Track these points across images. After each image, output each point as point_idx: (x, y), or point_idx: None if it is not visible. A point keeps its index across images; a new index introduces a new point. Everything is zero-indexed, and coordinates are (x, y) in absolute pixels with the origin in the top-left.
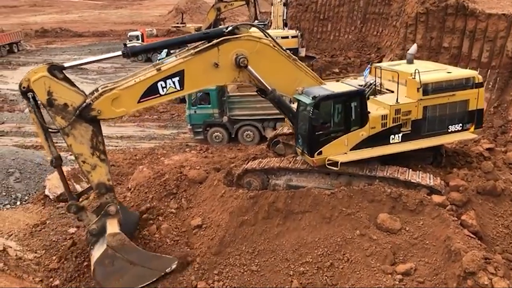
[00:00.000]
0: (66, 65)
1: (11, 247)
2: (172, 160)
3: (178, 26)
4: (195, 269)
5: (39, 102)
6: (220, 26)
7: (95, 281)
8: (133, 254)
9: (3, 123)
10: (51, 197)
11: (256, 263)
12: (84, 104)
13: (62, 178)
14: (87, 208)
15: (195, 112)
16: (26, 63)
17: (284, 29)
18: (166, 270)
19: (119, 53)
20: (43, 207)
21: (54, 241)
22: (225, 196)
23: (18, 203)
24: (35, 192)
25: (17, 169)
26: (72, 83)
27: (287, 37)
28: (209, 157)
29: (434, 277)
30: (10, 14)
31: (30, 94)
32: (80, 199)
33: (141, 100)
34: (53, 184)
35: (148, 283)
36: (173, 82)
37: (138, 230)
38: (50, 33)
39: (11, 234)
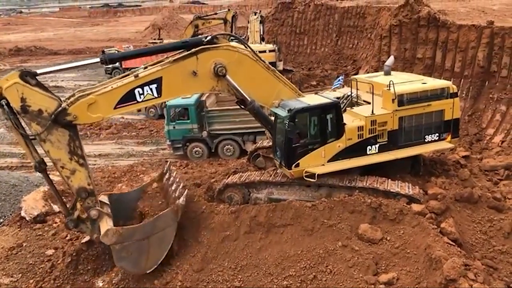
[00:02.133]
0: (38, 71)
1: None
2: (151, 177)
3: (155, 42)
4: (178, 287)
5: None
6: (199, 36)
7: (132, 273)
8: (135, 233)
9: None
10: (27, 218)
11: (239, 279)
12: (60, 108)
13: (49, 182)
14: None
15: (174, 127)
16: None
17: (261, 43)
18: (177, 220)
19: (97, 59)
20: (19, 229)
21: (31, 264)
22: (206, 211)
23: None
24: (10, 214)
25: None
26: (45, 89)
27: (264, 51)
28: (189, 173)
29: (417, 286)
30: None
31: (3, 101)
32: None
33: (118, 106)
34: (29, 205)
35: (172, 239)
36: (151, 89)
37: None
38: (24, 52)
39: None
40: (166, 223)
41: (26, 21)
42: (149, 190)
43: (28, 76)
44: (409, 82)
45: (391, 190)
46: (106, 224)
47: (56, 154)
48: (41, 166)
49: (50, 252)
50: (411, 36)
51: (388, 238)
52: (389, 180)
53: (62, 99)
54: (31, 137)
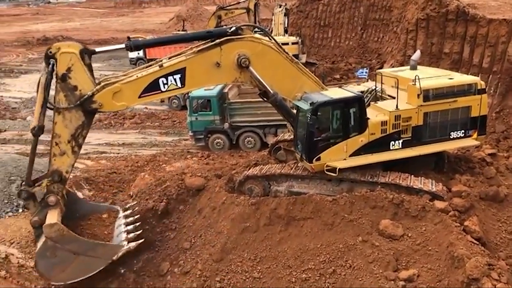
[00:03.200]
0: (97, 49)
1: (13, 255)
2: (173, 167)
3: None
4: (197, 276)
5: (54, 72)
6: (224, 27)
7: (39, 274)
8: (74, 243)
9: (5, 130)
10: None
11: (258, 270)
12: (86, 95)
13: (32, 153)
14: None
15: (196, 119)
16: (28, 71)
17: (284, 35)
18: (113, 258)
19: (122, 45)
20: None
21: None
22: (227, 202)
23: (20, 210)
24: None
25: (19, 176)
26: (92, 72)
27: (287, 44)
28: (211, 164)
29: (438, 284)
30: (13, 22)
31: (52, 61)
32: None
33: (142, 95)
34: None
35: (95, 272)
36: (175, 79)
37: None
38: (51, 41)
39: (13, 242)
40: (104, 255)
41: (53, 11)
42: (110, 215)
43: (86, 54)
44: (436, 77)
45: (414, 187)
46: (54, 216)
47: (60, 129)
48: (38, 131)
49: None
50: (439, 30)
51: (410, 235)
52: (412, 176)
53: None
54: (51, 107)
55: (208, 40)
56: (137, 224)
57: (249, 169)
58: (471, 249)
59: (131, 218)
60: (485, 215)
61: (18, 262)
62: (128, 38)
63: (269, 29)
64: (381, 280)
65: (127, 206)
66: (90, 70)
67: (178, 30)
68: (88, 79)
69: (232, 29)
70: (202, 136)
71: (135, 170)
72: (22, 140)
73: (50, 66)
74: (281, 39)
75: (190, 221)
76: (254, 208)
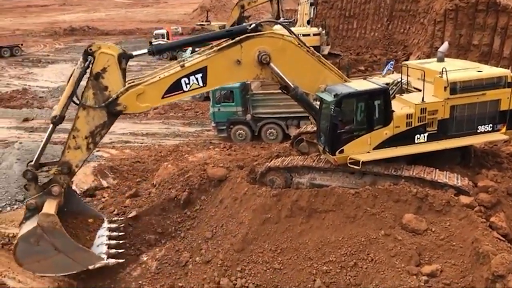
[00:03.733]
0: (134, 53)
1: None
2: (196, 157)
3: (202, 24)
4: (218, 265)
5: (88, 69)
6: (244, 24)
7: (14, 257)
8: (61, 240)
9: (32, 119)
10: (77, 192)
11: (279, 261)
12: (111, 98)
13: (47, 139)
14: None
15: (219, 109)
16: (55, 61)
17: (307, 26)
18: (89, 266)
19: (145, 51)
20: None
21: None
22: (248, 193)
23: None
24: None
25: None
26: (125, 77)
27: (308, 35)
28: (233, 155)
29: (461, 279)
30: (41, 13)
31: (90, 58)
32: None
33: (165, 96)
34: (80, 180)
35: (65, 274)
36: (196, 79)
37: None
38: (78, 31)
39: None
40: (82, 260)
41: (80, 1)
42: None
43: (124, 59)
44: (463, 69)
45: (439, 181)
46: (52, 207)
47: (80, 124)
48: (58, 120)
49: None
50: (468, 21)
51: (433, 230)
52: (437, 170)
53: None
54: (77, 102)
55: (228, 38)
56: (121, 242)
57: (271, 160)
58: (497, 245)
59: (115, 233)
60: None
61: None
62: (150, 43)
63: (294, 20)
64: (403, 275)
65: (114, 219)
66: (124, 74)
67: (202, 21)
68: (120, 82)
69: (252, 26)
70: (224, 127)
71: (158, 160)
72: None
73: (87, 62)
74: (302, 30)
75: (212, 211)
76: (276, 200)
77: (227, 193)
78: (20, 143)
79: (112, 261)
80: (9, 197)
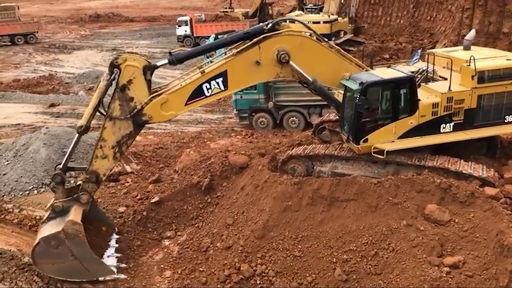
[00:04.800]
0: (158, 64)
1: None
2: (218, 144)
3: (226, 11)
4: (239, 251)
5: (114, 81)
6: (260, 24)
7: (31, 254)
8: (80, 248)
9: (58, 104)
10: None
11: (299, 249)
12: (136, 110)
13: (73, 147)
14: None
15: (241, 97)
16: (80, 47)
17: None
18: (99, 278)
19: (166, 61)
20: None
21: None
22: (269, 181)
23: (72, 181)
24: None
25: None
26: (150, 88)
27: (318, 23)
28: (254, 142)
29: (484, 272)
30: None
31: (116, 70)
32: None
33: (188, 103)
34: None
35: (75, 280)
36: (217, 83)
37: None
38: (103, 18)
39: None
40: (94, 271)
41: None
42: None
43: (149, 70)
44: (491, 58)
45: (463, 172)
46: (79, 215)
47: (107, 134)
48: (84, 131)
49: (122, 209)
50: (498, 8)
51: (457, 221)
52: (462, 161)
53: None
54: (103, 113)
55: (247, 40)
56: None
57: (293, 148)
58: None
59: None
60: None
61: None
62: (170, 53)
63: (319, 7)
64: (424, 265)
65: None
66: (149, 86)
67: (225, 8)
68: (145, 93)
69: (269, 26)
70: (246, 115)
71: (181, 146)
72: (75, 114)
73: (113, 74)
74: (313, 17)
75: (233, 197)
76: (297, 188)
77: (248, 180)
78: (47, 128)
79: (122, 276)
80: (36, 181)
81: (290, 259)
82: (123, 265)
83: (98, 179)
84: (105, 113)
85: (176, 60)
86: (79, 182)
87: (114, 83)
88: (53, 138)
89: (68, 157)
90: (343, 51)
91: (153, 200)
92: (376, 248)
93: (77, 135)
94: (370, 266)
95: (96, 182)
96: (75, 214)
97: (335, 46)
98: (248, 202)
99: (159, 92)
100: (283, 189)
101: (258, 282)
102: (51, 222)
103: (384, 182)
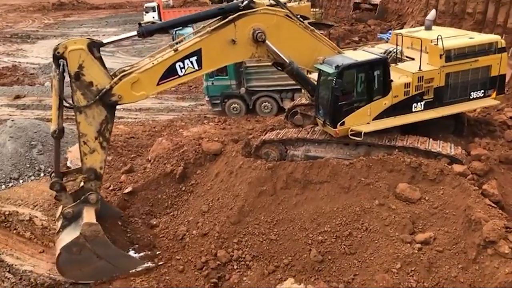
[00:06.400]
0: (105, 41)
1: (37, 217)
2: (190, 132)
3: None
4: (215, 237)
5: (66, 72)
6: (235, 1)
7: (56, 266)
8: (103, 248)
9: (24, 96)
10: (73, 168)
11: (275, 232)
12: (105, 89)
13: (56, 152)
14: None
15: (212, 83)
16: (44, 36)
17: None
18: (130, 271)
19: (134, 33)
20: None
21: None
22: (243, 167)
23: (42, 174)
24: None
25: (39, 141)
26: (104, 65)
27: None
28: (227, 129)
29: (454, 246)
30: None
31: (61, 61)
32: (65, 179)
33: (160, 82)
34: (75, 156)
35: (105, 279)
36: (191, 62)
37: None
38: (67, 6)
39: (37, 205)
40: (123, 266)
41: None
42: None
43: (94, 47)
44: (455, 36)
45: (432, 150)
46: (92, 215)
47: (85, 128)
48: (59, 134)
49: None
50: None
51: (427, 198)
52: (431, 139)
53: (104, 54)
54: (70, 106)
55: (221, 17)
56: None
57: (266, 133)
58: (489, 212)
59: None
60: (504, 178)
61: (42, 224)
62: (139, 24)
63: None
64: (397, 243)
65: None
66: (102, 63)
67: None
68: (102, 72)
69: (245, 3)
70: (218, 101)
71: (152, 135)
72: (41, 105)
73: (61, 67)
74: None
75: (208, 185)
76: (271, 172)
77: (222, 167)
78: (12, 120)
79: (151, 264)
80: (3, 175)
81: (266, 243)
82: (144, 253)
83: (97, 174)
84: (72, 105)
85: (146, 32)
86: (81, 184)
87: (66, 75)
88: (20, 131)
89: (56, 164)
90: (317, 32)
91: (126, 191)
92: (350, 228)
93: (55, 140)
94: (344, 246)
95: (96, 178)
96: (89, 216)
97: (310, 27)
98: (222, 188)
99: (129, 71)
100: (257, 174)
101: (235, 267)
102: (67, 230)
103: (356, 163)
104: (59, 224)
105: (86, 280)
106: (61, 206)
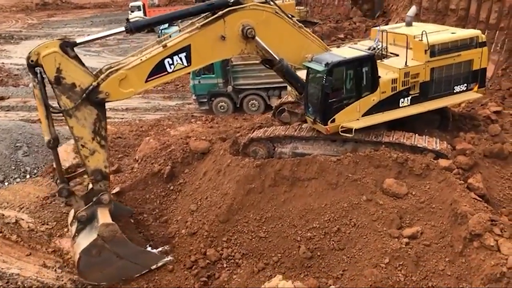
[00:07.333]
0: (78, 40)
1: (23, 219)
2: (178, 131)
3: None
4: (204, 236)
5: (45, 78)
6: None
7: (77, 270)
8: (122, 247)
9: (8, 97)
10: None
11: (264, 230)
12: (91, 86)
13: (56, 160)
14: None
15: (199, 82)
16: (28, 37)
17: None
18: (152, 267)
19: (122, 28)
20: (52, 179)
21: (64, 212)
22: (232, 165)
23: (28, 176)
24: (43, 165)
25: (24, 143)
26: (82, 63)
27: None
28: (215, 127)
29: (441, 240)
30: None
31: (38, 69)
32: (71, 183)
33: (149, 79)
34: (61, 157)
35: (132, 276)
36: (180, 58)
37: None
38: (51, 6)
39: (23, 207)
40: (144, 262)
41: None
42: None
43: (68, 47)
44: (437, 32)
45: (418, 145)
46: (107, 216)
47: (79, 131)
48: (54, 143)
49: None
50: None
51: (414, 193)
52: (416, 135)
53: (89, 54)
54: (57, 111)
55: (210, 13)
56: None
57: (253, 131)
58: (474, 205)
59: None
60: (489, 172)
61: (28, 227)
62: (127, 20)
63: None
64: (385, 238)
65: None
66: (79, 61)
67: None
68: (82, 71)
69: None
70: (205, 100)
71: (139, 135)
72: (26, 107)
73: (39, 75)
74: None
75: (196, 183)
76: (259, 170)
77: (210, 165)
78: None
79: (170, 258)
80: None
81: (255, 240)
82: (162, 248)
83: (104, 174)
84: (60, 110)
85: (134, 28)
86: (90, 186)
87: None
88: (5, 133)
89: (59, 171)
90: (305, 29)
91: (114, 191)
92: (338, 224)
93: (52, 150)
94: (333, 242)
95: (104, 177)
96: (104, 216)
97: (298, 23)
98: (211, 187)
99: (116, 68)
100: (245, 172)
101: (225, 265)
102: (83, 233)
103: (343, 160)
104: (73, 228)
105: (109, 281)
106: (72, 211)
